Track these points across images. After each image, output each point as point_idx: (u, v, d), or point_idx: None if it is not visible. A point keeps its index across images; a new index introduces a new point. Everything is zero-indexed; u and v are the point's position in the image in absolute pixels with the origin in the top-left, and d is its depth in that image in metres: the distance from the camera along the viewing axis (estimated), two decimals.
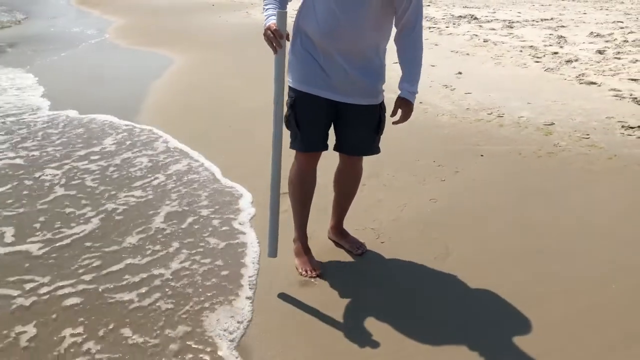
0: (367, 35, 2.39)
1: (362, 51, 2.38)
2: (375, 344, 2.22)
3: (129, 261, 2.85)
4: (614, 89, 5.57)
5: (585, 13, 10.77)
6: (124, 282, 2.67)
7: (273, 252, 2.63)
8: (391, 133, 4.61)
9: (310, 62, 2.44)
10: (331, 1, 2.32)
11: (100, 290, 2.60)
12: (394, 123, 2.43)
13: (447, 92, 5.78)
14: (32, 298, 2.53)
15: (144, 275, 2.73)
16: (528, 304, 2.45)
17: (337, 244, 2.99)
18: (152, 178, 3.91)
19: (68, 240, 3.05)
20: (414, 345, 2.20)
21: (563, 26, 9.19)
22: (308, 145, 2.59)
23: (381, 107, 2.63)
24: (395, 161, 4.11)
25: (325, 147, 2.64)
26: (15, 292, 2.57)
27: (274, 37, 2.27)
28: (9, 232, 3.13)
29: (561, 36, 8.18)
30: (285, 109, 2.55)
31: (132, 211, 3.42)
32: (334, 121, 2.61)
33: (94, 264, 2.82)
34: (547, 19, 10.01)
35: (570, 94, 5.45)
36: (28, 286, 2.61)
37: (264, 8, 2.44)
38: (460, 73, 6.42)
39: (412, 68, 2.45)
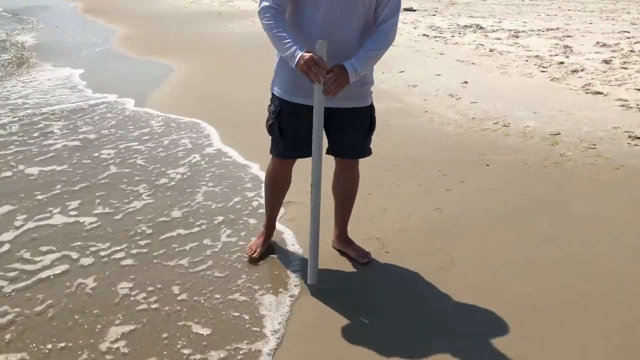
0: (355, 42, 2.41)
1: (350, 57, 2.36)
2: (378, 355, 2.20)
3: (179, 231, 3.21)
4: (621, 99, 5.55)
5: (591, 23, 10.76)
6: (175, 250, 3.01)
7: (313, 278, 2.63)
8: (397, 142, 4.66)
9: (295, 71, 2.38)
10: (321, 10, 2.34)
11: (153, 254, 2.96)
12: (323, 92, 2.32)
13: (452, 101, 5.78)
14: (92, 259, 2.91)
15: (194, 244, 3.07)
16: (533, 315, 2.43)
17: (342, 253, 2.98)
18: (192, 158, 4.39)
19: (123, 212, 3.45)
20: (419, 356, 2.19)
21: (569, 36, 9.19)
22: (287, 153, 2.69)
23: (371, 108, 2.66)
24: (401, 170, 4.11)
25: (308, 154, 2.60)
26: (76, 255, 2.95)
27: (319, 69, 2.22)
28: (73, 205, 3.54)
29: (567, 46, 8.17)
30: (268, 115, 2.63)
31: (179, 186, 3.85)
32: (325, 127, 2.59)
33: (147, 232, 3.19)
34: (553, 29, 10.01)
35: (576, 104, 5.43)
36: (89, 250, 3.00)
37: (274, 35, 2.34)
38: (465, 82, 6.42)
39: (368, 52, 2.37)
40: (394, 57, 8.09)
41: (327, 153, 2.73)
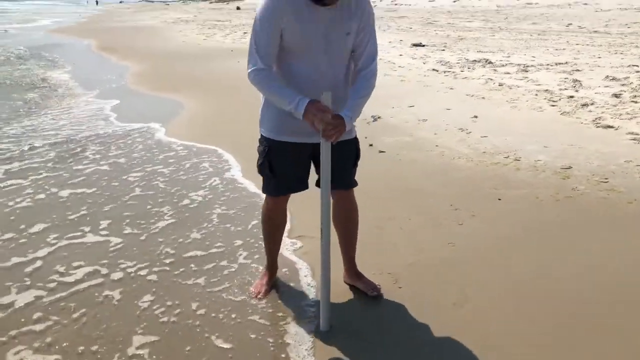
0: (340, 82, 2.53)
1: (335, 96, 2.42)
2: None
3: (197, 252, 3.46)
4: (632, 133, 5.55)
5: (599, 57, 10.83)
6: (195, 269, 3.26)
7: (325, 325, 2.63)
8: (408, 176, 4.68)
9: (282, 110, 2.47)
10: (307, 64, 2.44)
11: (174, 273, 3.22)
12: (322, 136, 2.39)
13: (463, 135, 5.81)
14: (120, 274, 3.21)
15: (210, 265, 3.31)
16: (546, 353, 2.40)
17: (352, 287, 2.98)
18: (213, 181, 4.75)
19: (148, 233, 3.76)
20: None
21: (578, 70, 9.24)
22: (279, 190, 2.77)
23: (356, 140, 2.74)
24: (412, 204, 4.12)
25: (301, 188, 2.77)
26: (106, 270, 3.26)
27: (325, 115, 2.31)
28: (103, 224, 3.88)
29: (576, 80, 8.22)
30: (258, 156, 2.70)
31: (199, 209, 4.16)
32: (314, 160, 2.70)
33: (170, 252, 3.47)
34: (562, 63, 10.08)
35: (587, 138, 5.44)
36: (117, 266, 3.29)
37: (273, 91, 2.43)
38: (475, 116, 6.46)
39: (356, 101, 2.48)
40: (404, 91, 8.19)
41: (318, 186, 2.74)
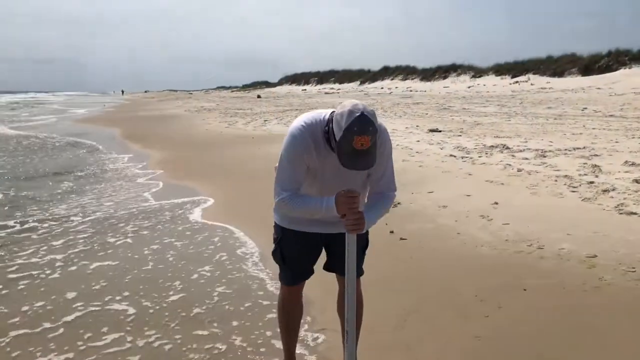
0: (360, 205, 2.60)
1: None
2: None
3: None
4: None
5: (617, 142, 10.91)
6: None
7: None
8: (431, 266, 4.65)
9: None
10: (328, 189, 2.54)
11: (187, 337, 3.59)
12: (345, 225, 2.46)
13: (484, 222, 5.80)
14: (139, 342, 3.59)
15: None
16: None
17: None
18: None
19: (162, 304, 4.15)
20: None
21: (596, 155, 9.29)
22: (293, 279, 2.84)
23: (366, 232, 2.83)
24: (437, 295, 4.07)
25: (309, 275, 2.87)
26: (129, 337, 3.63)
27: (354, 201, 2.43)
28: (123, 294, 4.34)
29: (595, 165, 8.25)
30: (274, 244, 2.82)
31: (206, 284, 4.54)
32: (326, 247, 2.81)
33: (181, 322, 3.81)
34: (580, 148, 10.16)
35: (610, 225, 5.39)
36: (136, 334, 3.68)
37: (302, 206, 2.51)
38: (496, 203, 6.47)
39: (376, 210, 2.60)
40: (423, 177, 8.27)
41: (326, 269, 2.91)
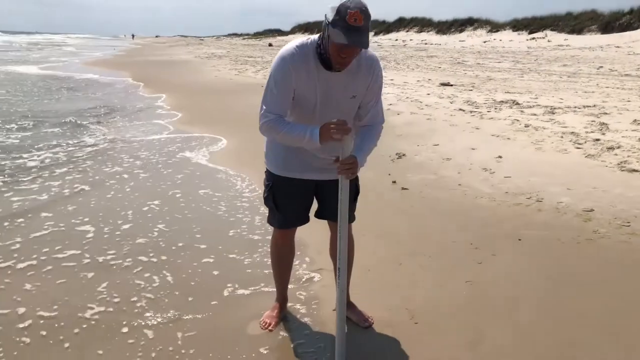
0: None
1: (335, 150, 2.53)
2: None
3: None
4: None
5: (629, 101, 10.79)
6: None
7: None
8: (430, 214, 4.74)
9: (286, 147, 2.66)
10: (314, 114, 2.55)
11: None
12: (337, 169, 2.48)
13: (486, 175, 5.86)
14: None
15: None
16: None
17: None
18: None
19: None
20: None
21: (606, 113, 9.23)
22: (284, 223, 2.90)
23: (356, 178, 2.82)
24: (433, 242, 4.18)
25: (304, 222, 2.92)
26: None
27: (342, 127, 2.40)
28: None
29: (603, 123, 8.21)
30: (264, 189, 2.87)
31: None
32: (316, 195, 2.85)
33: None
34: (590, 106, 10.08)
35: (611, 181, 5.44)
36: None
37: (285, 132, 2.49)
38: (500, 157, 6.51)
39: (366, 145, 2.59)
40: (430, 130, 8.29)
41: (317, 217, 2.94)
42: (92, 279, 3.60)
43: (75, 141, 8.06)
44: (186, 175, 6.20)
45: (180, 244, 4.18)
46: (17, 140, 7.99)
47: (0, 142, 7.87)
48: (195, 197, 5.39)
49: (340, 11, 2.27)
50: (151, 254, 3.99)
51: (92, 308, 3.22)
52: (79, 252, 4.03)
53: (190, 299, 3.35)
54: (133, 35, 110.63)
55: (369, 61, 2.57)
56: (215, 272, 3.71)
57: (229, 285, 3.52)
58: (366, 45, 2.33)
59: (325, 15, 2.36)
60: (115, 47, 52.53)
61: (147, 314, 3.16)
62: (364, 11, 2.26)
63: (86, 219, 4.69)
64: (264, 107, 2.52)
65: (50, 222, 4.61)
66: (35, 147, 7.56)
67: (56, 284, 3.53)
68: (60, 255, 3.95)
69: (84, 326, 3.03)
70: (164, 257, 3.94)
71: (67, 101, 12.70)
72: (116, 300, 3.32)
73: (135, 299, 3.34)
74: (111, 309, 3.22)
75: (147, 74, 19.55)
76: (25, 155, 7.02)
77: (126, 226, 4.57)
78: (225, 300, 3.35)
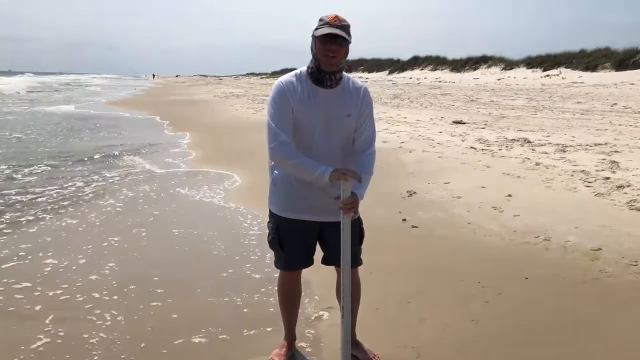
0: (344, 162, 2.78)
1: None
2: None
3: None
4: None
5: None
6: None
7: None
8: (439, 252, 4.83)
9: (291, 189, 2.80)
10: (314, 136, 2.73)
11: None
12: (339, 207, 2.62)
13: (495, 213, 5.94)
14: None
15: None
16: None
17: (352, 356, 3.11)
18: None
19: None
20: None
21: (617, 151, 9.28)
22: (290, 265, 2.98)
23: (359, 220, 2.95)
24: (441, 280, 4.26)
25: (308, 264, 3.00)
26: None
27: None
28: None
29: (614, 161, 8.27)
30: (268, 231, 2.97)
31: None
32: (320, 238, 2.94)
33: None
34: (602, 144, 10.14)
35: (619, 220, 5.48)
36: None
37: (295, 163, 2.65)
38: (510, 195, 6.59)
39: (364, 177, 2.70)
40: (441, 168, 8.41)
41: (324, 263, 3.03)
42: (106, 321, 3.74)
43: (97, 176, 8.31)
44: (200, 215, 6.37)
45: (183, 280, 4.31)
46: (34, 177, 8.26)
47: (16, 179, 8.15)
48: (202, 235, 5.54)
49: (322, 19, 2.68)
50: (152, 289, 4.13)
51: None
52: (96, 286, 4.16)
53: (202, 333, 3.46)
54: (154, 75, 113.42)
55: (358, 84, 2.87)
56: (222, 310, 3.83)
57: (238, 322, 3.63)
58: (347, 36, 2.64)
59: (311, 35, 2.72)
60: (135, 87, 53.78)
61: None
62: (341, 18, 2.66)
63: (79, 255, 4.88)
64: (270, 133, 2.68)
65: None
66: (45, 183, 7.82)
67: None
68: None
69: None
70: (162, 291, 4.07)
71: (89, 140, 13.07)
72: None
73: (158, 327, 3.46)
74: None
75: (168, 113, 20.02)
76: (38, 190, 7.27)
77: (120, 265, 4.72)
78: (236, 336, 3.46)
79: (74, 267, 4.63)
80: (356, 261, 2.96)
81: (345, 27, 2.65)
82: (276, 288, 3.19)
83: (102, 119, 18.61)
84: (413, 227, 5.60)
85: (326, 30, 2.61)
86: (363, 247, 3.05)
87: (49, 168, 9.25)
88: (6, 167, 9.15)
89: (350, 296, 2.71)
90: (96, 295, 4.08)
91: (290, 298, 3.15)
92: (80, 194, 7.35)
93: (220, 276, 4.47)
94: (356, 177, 2.58)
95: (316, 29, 2.67)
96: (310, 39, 2.75)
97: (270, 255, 4.77)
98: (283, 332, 3.26)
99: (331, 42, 2.62)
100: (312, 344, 3.37)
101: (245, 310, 3.84)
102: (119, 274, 4.50)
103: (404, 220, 5.81)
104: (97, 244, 5.25)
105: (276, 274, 3.18)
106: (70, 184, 7.99)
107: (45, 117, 19.26)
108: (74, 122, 17.52)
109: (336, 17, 2.66)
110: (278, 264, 3.04)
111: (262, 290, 4.15)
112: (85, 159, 10.24)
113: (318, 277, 4.09)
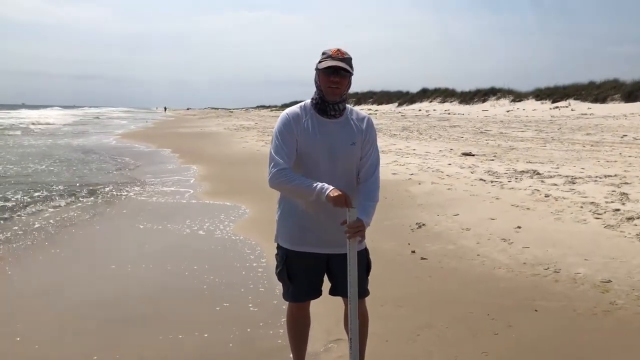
0: (348, 190, 2.80)
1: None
2: None
3: None
4: None
5: None
6: None
7: None
8: (448, 284, 4.82)
9: (298, 222, 2.87)
10: (319, 166, 2.81)
11: None
12: (345, 232, 2.68)
13: (505, 245, 5.94)
14: None
15: None
16: None
17: None
18: None
19: None
20: None
21: (627, 183, 9.27)
22: (298, 297, 3.02)
23: (366, 251, 2.99)
24: (450, 313, 4.25)
25: (316, 295, 3.04)
26: None
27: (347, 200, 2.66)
28: None
29: (624, 193, 8.25)
30: (276, 263, 3.01)
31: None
32: (328, 272, 2.98)
33: None
34: (611, 175, 10.13)
35: (629, 252, 5.46)
36: None
37: (296, 185, 2.72)
38: (519, 227, 6.59)
39: (369, 203, 2.81)
40: (450, 200, 8.43)
41: (331, 294, 3.05)
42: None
43: (104, 205, 8.41)
44: (205, 246, 6.42)
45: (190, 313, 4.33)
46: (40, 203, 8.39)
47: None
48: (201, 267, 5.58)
49: (325, 52, 2.81)
50: (153, 321, 4.15)
51: None
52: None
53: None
54: (165, 108, 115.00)
55: (362, 115, 2.98)
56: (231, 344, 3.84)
57: (245, 355, 3.64)
58: (350, 69, 2.77)
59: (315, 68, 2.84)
60: (147, 120, 54.56)
61: None
62: (343, 51, 2.80)
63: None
64: (271, 160, 2.77)
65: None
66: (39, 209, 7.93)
67: None
68: None
69: None
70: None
71: (97, 171, 13.25)
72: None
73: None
74: None
75: (179, 145, 20.27)
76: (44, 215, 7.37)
77: (116, 300, 4.75)
78: None
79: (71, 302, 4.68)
80: (363, 292, 2.99)
81: (347, 60, 2.79)
82: (283, 320, 3.22)
83: (117, 150, 18.87)
84: (422, 259, 5.60)
85: (329, 63, 2.76)
86: (372, 278, 3.08)
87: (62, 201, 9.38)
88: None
89: (357, 325, 2.73)
90: (94, 325, 4.11)
91: (299, 329, 3.17)
92: (88, 224, 7.44)
93: (226, 308, 4.49)
94: (348, 203, 2.65)
95: (319, 62, 2.81)
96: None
97: (278, 287, 4.81)
98: None
99: (334, 74, 2.77)
100: None
101: (253, 343, 3.85)
102: (113, 306, 4.54)
103: (413, 252, 5.82)
104: (95, 277, 5.30)
105: (283, 305, 3.20)
106: (79, 212, 8.10)
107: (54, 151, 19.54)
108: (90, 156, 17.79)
109: (338, 50, 2.79)
110: (286, 295, 3.07)
111: (270, 322, 4.16)
112: (93, 187, 10.37)
113: (326, 309, 4.08)
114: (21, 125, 38.46)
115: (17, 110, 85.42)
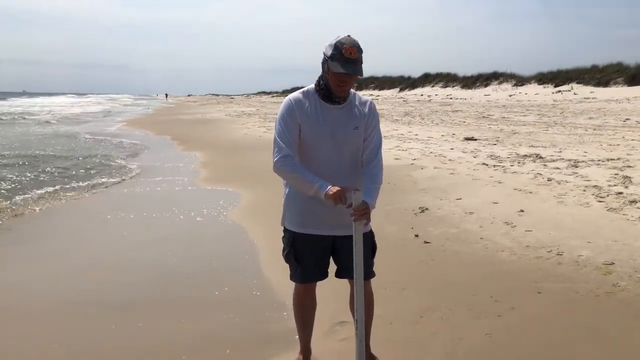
0: (353, 174, 2.89)
1: (342, 182, 2.77)
2: None
3: None
4: None
5: None
6: None
7: None
8: (451, 268, 4.86)
9: (304, 205, 2.89)
10: (323, 150, 2.84)
11: None
12: (351, 215, 2.70)
13: (507, 229, 5.96)
14: None
15: None
16: None
17: None
18: None
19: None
20: None
21: (630, 166, 9.27)
22: (305, 278, 3.06)
23: (371, 234, 3.02)
24: (453, 295, 4.28)
25: (323, 277, 3.08)
26: None
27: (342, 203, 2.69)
28: None
29: (627, 176, 8.26)
30: (283, 246, 3.05)
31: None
32: (334, 255, 3.02)
33: None
34: (614, 159, 10.13)
35: (632, 234, 5.48)
36: None
37: (297, 177, 2.78)
38: (522, 211, 6.60)
39: (373, 186, 2.85)
40: (453, 184, 8.44)
41: (337, 276, 3.09)
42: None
43: (103, 189, 8.44)
44: (206, 232, 6.45)
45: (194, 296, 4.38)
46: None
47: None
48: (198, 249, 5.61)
49: (337, 47, 2.70)
50: (155, 306, 4.20)
51: None
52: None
53: (218, 350, 3.51)
54: (166, 95, 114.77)
55: (364, 99, 2.98)
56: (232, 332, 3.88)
57: (251, 338, 3.68)
58: (360, 74, 2.73)
59: (324, 52, 2.76)
60: (149, 107, 54.52)
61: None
62: (356, 46, 2.70)
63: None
64: (275, 146, 2.81)
65: None
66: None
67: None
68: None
69: None
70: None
71: (102, 157, 13.28)
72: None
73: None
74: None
75: (179, 132, 20.27)
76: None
77: (115, 283, 4.80)
78: (251, 352, 3.51)
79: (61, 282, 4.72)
80: (369, 273, 3.03)
81: (359, 60, 2.73)
82: (287, 304, 3.25)
83: (119, 137, 18.89)
84: (425, 242, 5.63)
85: (340, 69, 2.69)
86: (375, 262, 3.11)
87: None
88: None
89: (363, 308, 2.76)
90: (95, 310, 4.16)
91: (305, 311, 3.21)
92: (86, 211, 7.48)
93: (229, 292, 4.53)
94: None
95: (331, 56, 2.71)
96: (320, 55, 2.84)
97: (282, 271, 4.84)
98: (298, 347, 3.31)
99: (345, 75, 2.74)
100: (327, 358, 3.40)
101: (256, 327, 3.89)
102: (115, 293, 4.58)
103: (416, 236, 5.84)
104: (92, 260, 5.34)
105: (288, 290, 3.23)
106: (76, 199, 8.13)
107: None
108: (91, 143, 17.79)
109: (351, 48, 2.68)
110: (294, 277, 3.10)
111: (274, 306, 4.20)
112: (93, 171, 10.41)
113: (332, 292, 4.12)
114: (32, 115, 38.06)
115: (32, 98, 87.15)
